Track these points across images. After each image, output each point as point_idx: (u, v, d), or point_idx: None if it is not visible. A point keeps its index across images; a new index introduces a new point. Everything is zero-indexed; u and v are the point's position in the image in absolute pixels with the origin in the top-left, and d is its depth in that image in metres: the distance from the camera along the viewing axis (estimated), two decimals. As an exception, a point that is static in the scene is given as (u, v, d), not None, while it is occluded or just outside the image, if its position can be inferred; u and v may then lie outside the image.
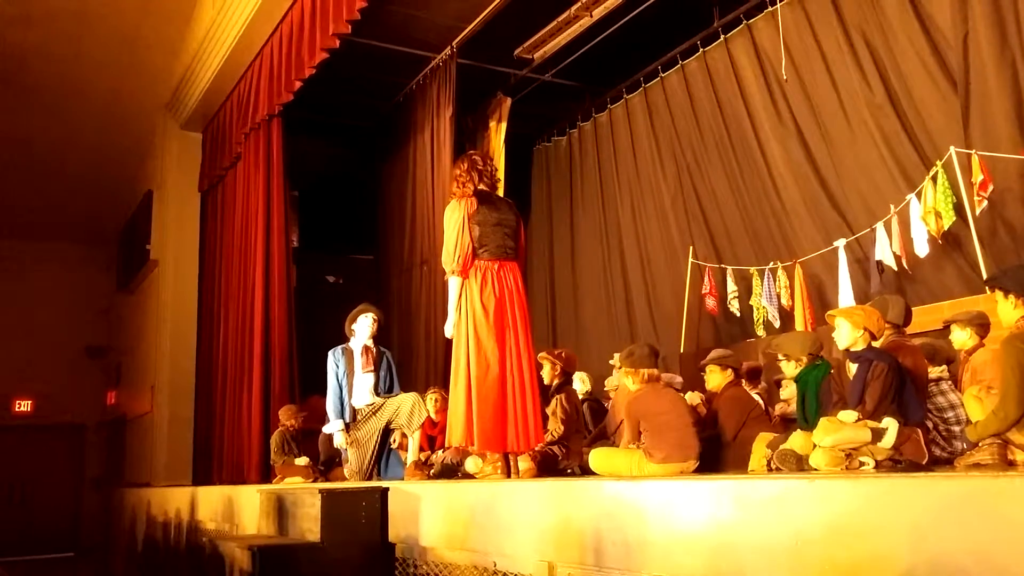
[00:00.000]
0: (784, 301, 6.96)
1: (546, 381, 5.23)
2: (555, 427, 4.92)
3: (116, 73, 10.01)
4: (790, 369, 4.28)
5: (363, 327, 5.69)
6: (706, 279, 7.78)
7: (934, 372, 4.25)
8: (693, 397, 5.47)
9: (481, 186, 4.54)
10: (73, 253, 14.29)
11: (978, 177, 5.41)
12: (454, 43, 8.33)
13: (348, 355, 5.65)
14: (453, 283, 4.48)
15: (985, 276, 5.11)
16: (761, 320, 7.18)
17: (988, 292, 3.62)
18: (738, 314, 7.53)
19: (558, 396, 5.08)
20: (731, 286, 7.56)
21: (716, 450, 4.55)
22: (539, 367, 5.13)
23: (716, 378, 4.89)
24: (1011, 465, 3.02)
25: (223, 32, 8.62)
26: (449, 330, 4.51)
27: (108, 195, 12.99)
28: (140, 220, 12.01)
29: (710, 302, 7.72)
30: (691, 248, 8.12)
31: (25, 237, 13.74)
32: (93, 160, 11.99)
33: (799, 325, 6.59)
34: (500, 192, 5.36)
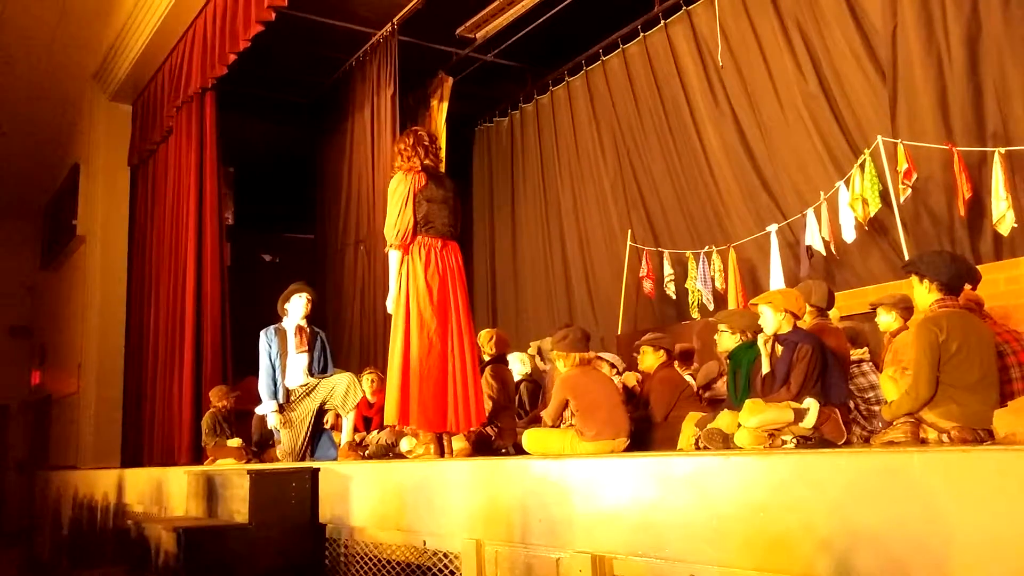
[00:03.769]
0: (718, 284, 7.11)
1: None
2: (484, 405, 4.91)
3: (41, 41, 9.58)
4: (728, 342, 4.40)
5: (296, 307, 5.60)
6: (644, 262, 7.88)
7: (856, 354, 4.40)
8: (629, 377, 5.55)
9: (427, 162, 4.48)
10: (-6, 229, 13.72)
11: (903, 166, 5.59)
12: (395, 20, 8.21)
13: (281, 335, 5.56)
14: (393, 257, 4.43)
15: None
16: (696, 303, 7.32)
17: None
18: (674, 297, 7.66)
19: (484, 373, 5.08)
20: (668, 269, 7.68)
21: (648, 430, 4.63)
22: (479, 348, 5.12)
23: (649, 359, 4.97)
24: (923, 443, 3.14)
25: (154, 1, 8.32)
26: (391, 305, 4.45)
27: (32, 169, 12.46)
28: (66, 195, 11.56)
29: (647, 285, 7.83)
30: (629, 231, 8.21)
31: (-57, 211, 13.14)
32: (16, 132, 11.47)
33: (731, 308, 6.73)
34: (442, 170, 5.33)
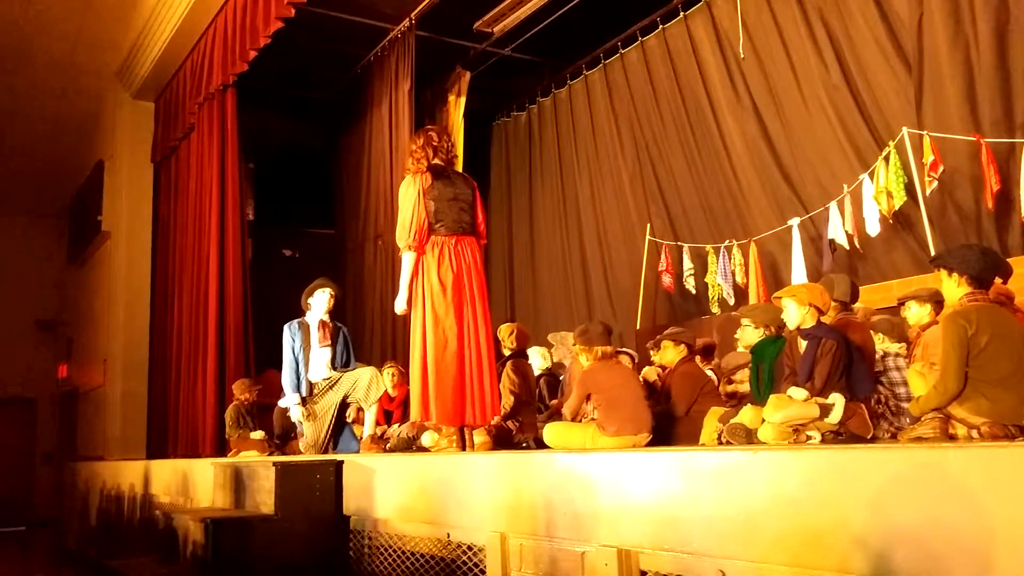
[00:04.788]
0: (739, 279, 7.07)
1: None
2: (505, 400, 4.93)
3: (65, 40, 9.68)
4: (751, 337, 4.38)
5: (320, 302, 5.64)
6: (663, 256, 7.86)
7: (894, 348, 4.35)
8: (650, 371, 5.53)
9: (436, 161, 4.50)
10: (22, 224, 13.89)
11: (929, 158, 5.53)
12: (413, 15, 8.22)
13: (304, 329, 5.60)
14: (407, 259, 4.46)
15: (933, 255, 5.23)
16: (716, 297, 7.28)
17: (935, 271, 3.71)
18: (693, 291, 7.62)
19: (505, 368, 5.09)
20: (687, 263, 7.64)
21: (669, 425, 4.62)
22: (497, 342, 5.14)
23: (670, 353, 4.95)
24: (952, 439, 3.11)
25: (175, -1, 8.40)
26: (400, 306, 4.48)
27: (58, 165, 12.61)
28: (91, 191, 11.70)
29: (666, 279, 7.80)
30: (648, 225, 8.18)
31: (-29, 208, 13.33)
32: (42, 130, 11.62)
33: (752, 303, 6.69)
34: (459, 167, 5.33)
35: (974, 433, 3.02)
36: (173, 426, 8.94)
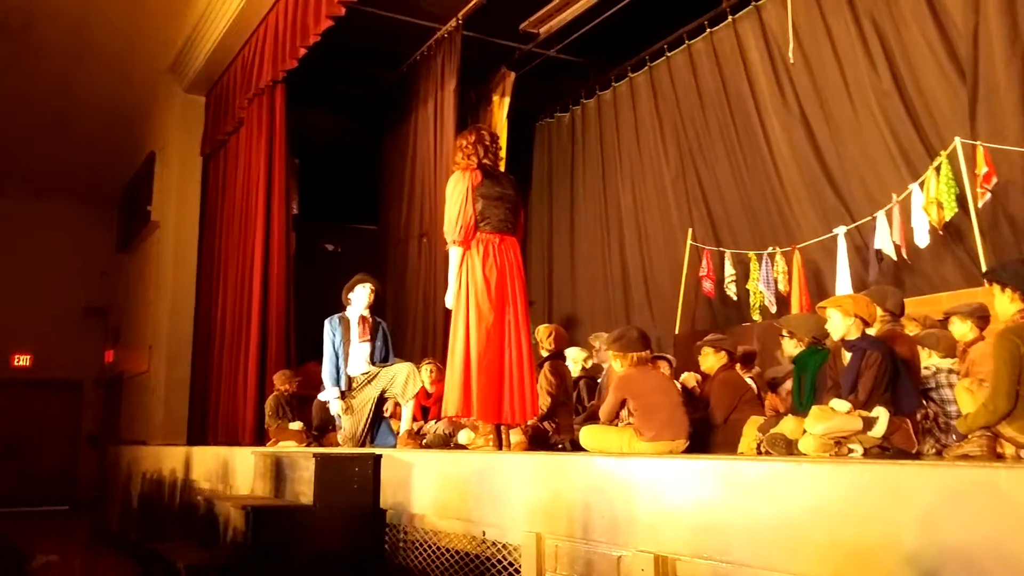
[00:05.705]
0: (781, 287, 6.97)
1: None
2: (542, 400, 4.94)
3: (120, 35, 9.93)
4: (791, 348, 4.34)
5: (360, 297, 5.72)
6: (704, 261, 7.79)
7: (946, 364, 4.27)
8: (689, 378, 5.50)
9: (485, 161, 4.55)
10: (74, 212, 14.27)
11: (982, 169, 5.40)
12: (460, 15, 8.27)
13: (344, 324, 5.68)
14: (454, 253, 4.51)
15: (985, 269, 5.11)
16: (757, 305, 7.20)
17: (987, 285, 3.63)
18: (735, 298, 7.54)
19: (542, 369, 5.11)
20: (729, 269, 7.56)
21: (707, 432, 4.59)
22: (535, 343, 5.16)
23: (710, 360, 4.91)
24: (999, 457, 3.05)
25: (228, -4, 8.56)
26: (450, 300, 4.53)
27: (110, 156, 12.93)
28: (142, 181, 11.99)
29: (707, 285, 7.73)
30: (690, 230, 8.11)
31: (27, 195, 13.72)
32: (96, 120, 11.92)
33: (795, 311, 6.61)
34: (501, 168, 5.37)
35: (1022, 452, 2.96)
36: (214, 414, 9.11)
